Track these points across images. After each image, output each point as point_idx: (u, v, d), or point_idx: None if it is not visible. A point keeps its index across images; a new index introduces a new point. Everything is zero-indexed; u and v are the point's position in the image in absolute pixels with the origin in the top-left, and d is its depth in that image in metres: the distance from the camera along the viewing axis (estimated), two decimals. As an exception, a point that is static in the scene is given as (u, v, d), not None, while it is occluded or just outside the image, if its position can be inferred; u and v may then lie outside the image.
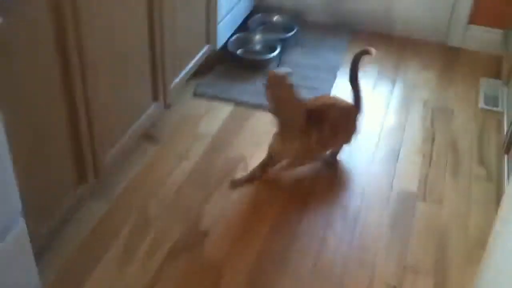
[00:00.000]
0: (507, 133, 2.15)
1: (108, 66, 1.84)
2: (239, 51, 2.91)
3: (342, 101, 2.26)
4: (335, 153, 2.33)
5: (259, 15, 3.18)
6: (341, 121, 2.18)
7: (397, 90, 2.80)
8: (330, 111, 2.16)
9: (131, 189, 2.14)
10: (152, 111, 2.26)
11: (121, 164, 2.18)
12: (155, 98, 2.27)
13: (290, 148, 2.11)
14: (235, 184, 2.19)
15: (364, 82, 2.80)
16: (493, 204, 2.12)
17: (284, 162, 2.19)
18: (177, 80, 2.43)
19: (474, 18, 3.04)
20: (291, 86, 2.00)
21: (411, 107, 2.67)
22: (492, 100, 2.69)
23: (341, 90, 2.74)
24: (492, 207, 2.10)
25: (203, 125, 2.50)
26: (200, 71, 2.71)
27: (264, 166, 2.22)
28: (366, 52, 2.20)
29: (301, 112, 2.04)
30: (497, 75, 2.77)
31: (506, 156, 2.10)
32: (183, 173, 2.23)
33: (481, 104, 2.67)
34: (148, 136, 2.38)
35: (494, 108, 2.63)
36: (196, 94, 2.67)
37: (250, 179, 2.21)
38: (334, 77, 2.83)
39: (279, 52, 2.87)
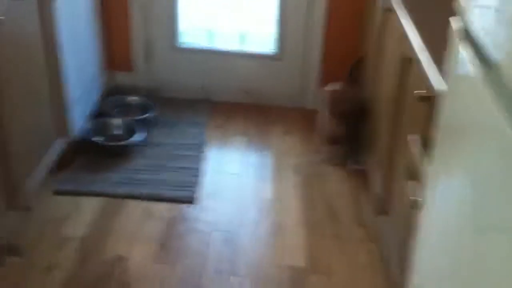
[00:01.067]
0: (379, 193, 2.23)
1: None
2: (97, 139, 2.74)
3: None
4: None
5: (113, 97, 3.04)
6: None
7: (267, 160, 2.81)
8: None
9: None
10: (8, 220, 2.01)
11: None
12: (10, 205, 2.03)
13: None
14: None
15: (232, 156, 2.81)
16: (378, 264, 2.17)
17: None
18: (32, 180, 2.21)
19: (324, 81, 3.18)
20: None
21: (284, 175, 2.69)
22: (357, 159, 2.79)
23: (211, 166, 2.69)
24: (378, 268, 2.14)
25: (70, 227, 2.28)
26: (59, 166, 2.49)
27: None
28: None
29: None
30: (359, 134, 2.90)
31: (383, 217, 2.17)
32: (55, 287, 1.99)
33: (348, 164, 2.77)
34: (9, 248, 2.10)
35: (360, 167, 2.74)
36: (57, 193, 2.44)
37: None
38: (203, 154, 2.77)
39: (142, 135, 2.75)
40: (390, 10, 2.25)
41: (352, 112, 2.74)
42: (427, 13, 2.02)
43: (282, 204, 2.50)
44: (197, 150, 2.78)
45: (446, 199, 1.10)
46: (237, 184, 2.59)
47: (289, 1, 3.06)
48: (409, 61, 1.87)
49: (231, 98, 3.26)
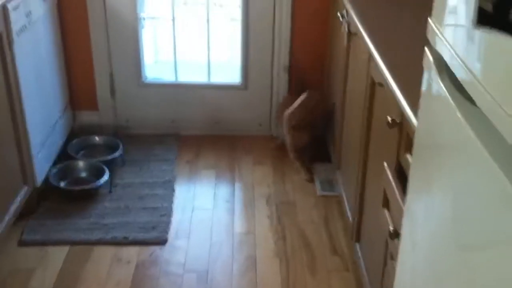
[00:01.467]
0: (352, 220, 2.18)
1: None
2: (63, 183, 2.66)
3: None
4: None
5: (78, 139, 2.97)
6: None
7: (238, 192, 2.75)
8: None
9: None
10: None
11: None
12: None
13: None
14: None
15: (203, 191, 2.75)
16: (356, 293, 2.11)
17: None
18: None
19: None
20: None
21: (255, 207, 2.63)
22: (328, 185, 2.76)
23: (181, 203, 2.62)
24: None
25: (37, 278, 2.18)
26: (23, 214, 2.41)
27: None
28: None
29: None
30: (328, 159, 2.87)
31: (357, 244, 2.12)
32: None
33: (319, 191, 2.73)
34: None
35: (331, 193, 2.70)
36: (22, 243, 2.35)
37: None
38: (172, 191, 2.70)
39: (108, 176, 2.68)
40: (355, 34, 2.22)
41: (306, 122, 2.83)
42: (391, 37, 1.99)
43: (255, 237, 2.44)
44: (166, 188, 2.71)
45: (426, 220, 1.08)
46: (209, 220, 2.53)
47: (253, 31, 3.04)
48: (378, 85, 1.84)
49: (200, 131, 3.21)
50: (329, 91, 2.98)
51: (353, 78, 2.32)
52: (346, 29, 2.36)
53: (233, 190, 2.76)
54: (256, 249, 2.36)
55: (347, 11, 2.33)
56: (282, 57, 3.06)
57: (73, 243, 2.36)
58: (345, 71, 2.44)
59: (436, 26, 1.06)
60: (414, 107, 1.39)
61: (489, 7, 0.76)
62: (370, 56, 1.90)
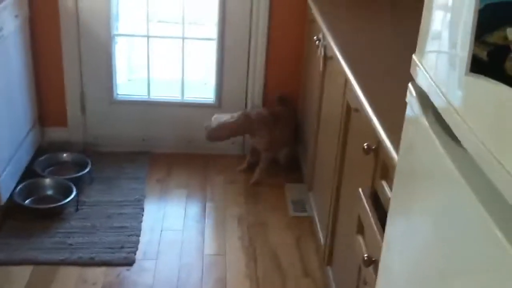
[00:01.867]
0: (324, 243, 2.15)
1: None
2: (28, 201, 2.58)
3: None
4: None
5: (46, 156, 2.89)
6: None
7: (209, 212, 2.71)
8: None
9: None
10: None
11: None
12: None
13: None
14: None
15: (174, 211, 2.70)
16: (328, 318, 2.08)
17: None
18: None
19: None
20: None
21: (227, 228, 2.58)
22: (300, 205, 2.73)
23: (151, 223, 2.57)
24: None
25: (-2, 300, 2.11)
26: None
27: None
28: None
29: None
30: (301, 180, 2.85)
31: (329, 268, 2.09)
32: None
33: (291, 212, 2.70)
34: None
35: (304, 214, 2.67)
36: (-17, 263, 2.27)
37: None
38: (141, 210, 2.64)
39: (75, 194, 2.60)
40: (331, 58, 2.21)
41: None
42: (367, 62, 1.98)
43: (226, 258, 2.39)
44: (135, 207, 2.65)
45: (406, 247, 1.06)
46: (179, 241, 2.47)
47: (229, 49, 3.02)
48: (354, 110, 1.82)
49: (172, 149, 3.17)
50: (302, 112, 2.98)
51: (328, 102, 2.31)
52: (322, 52, 2.36)
53: (204, 210, 2.72)
54: (226, 271, 2.32)
55: (323, 35, 2.32)
56: (257, 76, 3.05)
57: (37, 263, 2.28)
58: (320, 95, 2.43)
59: (420, 64, 1.05)
60: (391, 134, 1.38)
61: (484, 55, 0.75)
62: (346, 80, 1.89)
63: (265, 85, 3.08)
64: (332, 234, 2.06)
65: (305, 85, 2.92)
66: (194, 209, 2.73)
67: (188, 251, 2.42)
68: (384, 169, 1.48)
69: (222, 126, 2.85)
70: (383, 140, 1.41)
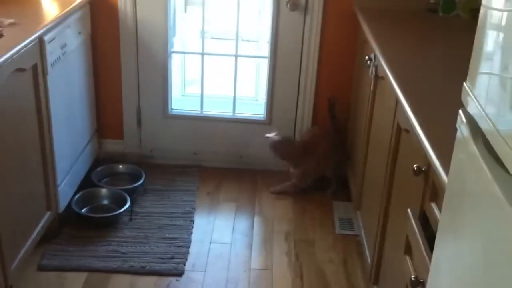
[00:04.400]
0: (371, 263, 2.16)
1: None
2: (84, 210, 2.69)
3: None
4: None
5: (103, 166, 3.02)
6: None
7: (257, 226, 2.75)
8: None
9: None
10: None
11: None
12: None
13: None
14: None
15: (223, 224, 2.75)
16: (373, 337, 2.08)
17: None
18: (19, 256, 2.16)
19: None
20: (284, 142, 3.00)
21: (274, 243, 2.62)
22: (348, 224, 2.75)
23: (200, 235, 2.63)
24: None
25: (54, 305, 2.20)
26: (44, 239, 2.44)
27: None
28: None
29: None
30: (348, 198, 2.86)
31: (375, 287, 2.09)
32: None
33: (338, 230, 2.71)
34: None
35: (351, 232, 2.68)
36: (41, 268, 2.37)
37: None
38: (192, 223, 2.71)
39: (130, 205, 2.70)
40: (382, 78, 2.23)
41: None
42: (419, 82, 1.98)
43: (273, 274, 2.43)
44: (186, 219, 2.73)
45: (454, 269, 1.08)
46: (227, 254, 2.53)
47: (279, 68, 3.08)
48: (404, 131, 1.83)
49: (222, 164, 3.24)
50: (352, 131, 2.99)
51: (378, 122, 2.32)
52: (373, 72, 2.38)
53: (252, 225, 2.76)
54: (273, 287, 2.35)
55: (375, 55, 2.34)
56: (308, 95, 3.09)
57: (91, 270, 2.38)
58: (370, 114, 2.45)
59: (471, 92, 1.06)
60: (441, 156, 1.39)
61: None
62: (397, 101, 1.90)
63: (315, 104, 3.12)
64: (379, 253, 2.07)
65: (356, 104, 2.93)
66: (242, 223, 2.78)
67: (235, 265, 2.46)
68: (433, 190, 1.49)
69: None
70: (433, 162, 1.42)
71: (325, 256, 2.54)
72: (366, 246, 2.34)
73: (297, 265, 2.48)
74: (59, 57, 2.46)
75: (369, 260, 2.23)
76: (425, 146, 1.50)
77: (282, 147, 2.98)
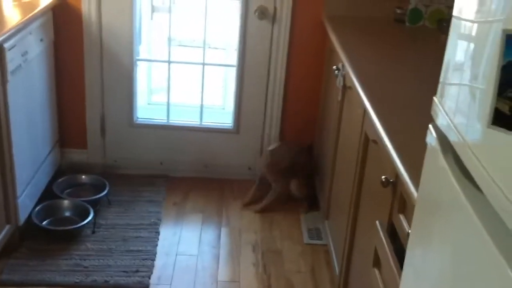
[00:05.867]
0: (340, 273, 2.14)
1: None
2: (46, 222, 2.60)
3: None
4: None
5: (65, 177, 2.93)
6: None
7: (224, 237, 2.71)
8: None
9: None
10: None
11: None
12: None
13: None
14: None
15: (189, 235, 2.70)
16: None
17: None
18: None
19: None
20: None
21: (241, 255, 2.58)
22: (316, 233, 2.73)
23: (166, 247, 2.57)
24: None
25: (12, 322, 2.12)
26: (3, 253, 2.35)
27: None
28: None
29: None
30: (316, 208, 2.84)
31: (344, 299, 2.08)
32: None
33: (306, 239, 2.69)
34: None
35: (319, 242, 2.66)
36: (1, 283, 2.28)
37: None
38: (157, 234, 2.65)
39: (92, 216, 2.62)
40: (350, 88, 2.22)
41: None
42: (387, 93, 1.98)
43: (241, 286, 2.39)
44: (151, 231, 2.66)
45: (424, 280, 1.06)
46: (194, 266, 2.48)
47: (247, 76, 3.05)
48: (372, 142, 1.81)
49: (190, 173, 3.18)
50: (319, 141, 2.98)
51: (346, 132, 2.31)
52: (341, 82, 2.37)
53: (219, 236, 2.72)
54: (240, 299, 2.31)
55: (342, 64, 2.34)
56: (276, 104, 3.07)
57: (52, 285, 2.29)
58: (338, 124, 2.44)
59: (441, 106, 1.05)
60: (410, 167, 1.38)
61: (506, 109, 0.76)
62: (365, 111, 1.89)
63: (283, 111, 3.10)
64: (347, 264, 2.05)
65: (323, 114, 2.93)
66: (209, 234, 2.73)
67: (202, 278, 2.41)
68: (401, 202, 1.48)
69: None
70: (401, 174, 1.40)
71: (293, 266, 2.52)
72: (334, 256, 2.32)
73: (264, 276, 2.44)
74: (20, 64, 2.38)
75: (337, 270, 2.21)
76: (393, 158, 1.48)
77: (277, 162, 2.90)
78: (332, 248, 2.39)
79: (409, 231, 1.32)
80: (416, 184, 1.28)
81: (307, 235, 2.72)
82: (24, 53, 2.43)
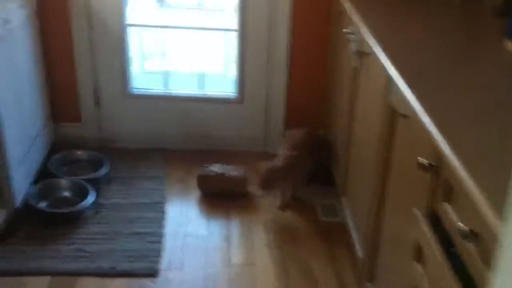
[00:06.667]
0: (364, 258, 2.01)
1: None
2: (44, 204, 2.44)
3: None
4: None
5: (60, 154, 2.74)
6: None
7: (233, 216, 2.56)
8: None
9: None
10: None
11: None
12: None
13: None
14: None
15: (197, 215, 2.55)
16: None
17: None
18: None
19: (288, 124, 2.98)
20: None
21: (254, 235, 2.44)
22: (330, 210, 2.59)
23: (173, 228, 2.43)
24: None
25: (14, 315, 1.97)
26: (0, 237, 2.20)
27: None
28: None
29: None
30: (327, 182, 2.70)
31: (370, 285, 1.96)
32: None
33: (321, 217, 2.55)
34: None
35: (335, 219, 2.53)
36: (-3, 273, 2.13)
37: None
38: (163, 214, 2.50)
39: (92, 196, 2.46)
40: (368, 55, 2.04)
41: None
42: (414, 58, 1.79)
43: (255, 269, 2.25)
44: (156, 210, 2.51)
45: None
46: (204, 249, 2.33)
47: (250, 41, 2.85)
48: (401, 116, 1.65)
49: (190, 146, 3.01)
50: (329, 116, 2.81)
51: (364, 105, 2.15)
52: (356, 48, 2.19)
53: (228, 214, 2.57)
54: (256, 284, 2.17)
55: (356, 28, 2.15)
56: (281, 70, 2.88)
57: (54, 273, 2.14)
58: (352, 94, 2.27)
59: None
60: (456, 150, 1.22)
61: None
62: (389, 81, 1.72)
63: (290, 77, 2.91)
64: (373, 249, 1.92)
65: (333, 81, 2.75)
66: (217, 212, 2.58)
67: (214, 261, 2.27)
68: (446, 189, 1.33)
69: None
70: (447, 157, 1.24)
71: (309, 247, 2.36)
72: (354, 237, 2.20)
73: (280, 259, 2.30)
74: (2, 34, 2.17)
75: (360, 253, 2.09)
76: (433, 137, 1.31)
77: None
78: (352, 228, 2.25)
79: (460, 224, 1.18)
80: (469, 170, 1.13)
81: (321, 212, 2.59)
82: (5, 22, 2.21)
